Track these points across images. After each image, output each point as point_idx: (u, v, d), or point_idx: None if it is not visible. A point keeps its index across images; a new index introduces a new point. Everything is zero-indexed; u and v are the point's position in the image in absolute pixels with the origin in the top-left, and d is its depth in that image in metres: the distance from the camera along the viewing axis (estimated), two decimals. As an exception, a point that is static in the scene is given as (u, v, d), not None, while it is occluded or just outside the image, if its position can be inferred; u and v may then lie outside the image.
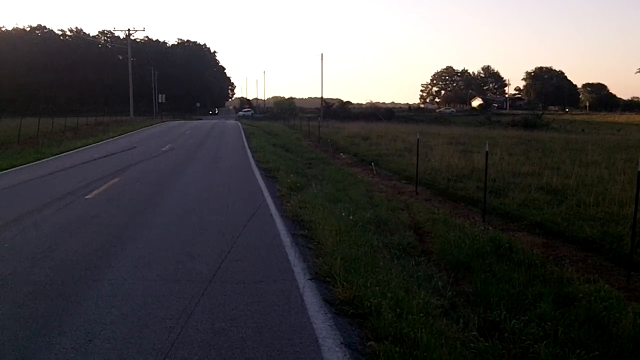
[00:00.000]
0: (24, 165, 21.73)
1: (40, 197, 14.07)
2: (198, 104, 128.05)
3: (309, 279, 7.46)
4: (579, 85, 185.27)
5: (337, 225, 10.16)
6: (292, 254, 8.73)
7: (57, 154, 26.57)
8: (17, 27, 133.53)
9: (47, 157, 24.98)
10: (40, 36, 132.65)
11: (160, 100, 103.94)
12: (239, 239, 9.72)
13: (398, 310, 6.06)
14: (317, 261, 8.26)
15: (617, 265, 9.08)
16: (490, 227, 11.04)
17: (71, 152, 28.33)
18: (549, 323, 6.10)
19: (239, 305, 6.46)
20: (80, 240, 9.53)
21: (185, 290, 6.93)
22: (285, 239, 9.82)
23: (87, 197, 14.07)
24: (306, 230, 10.38)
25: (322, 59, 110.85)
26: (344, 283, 6.95)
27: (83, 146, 31.91)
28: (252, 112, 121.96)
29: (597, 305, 6.59)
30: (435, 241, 10.17)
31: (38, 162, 23.21)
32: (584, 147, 27.77)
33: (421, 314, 5.97)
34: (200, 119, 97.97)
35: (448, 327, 5.90)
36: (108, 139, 39.03)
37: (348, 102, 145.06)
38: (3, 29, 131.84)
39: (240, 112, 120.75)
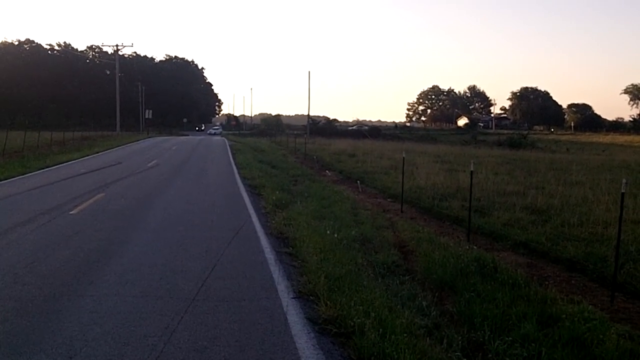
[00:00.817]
0: (9, 179, 21.53)
1: (25, 211, 13.95)
2: (185, 120, 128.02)
3: (292, 298, 7.44)
4: (564, 106, 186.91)
5: (321, 243, 10.15)
6: (276, 272, 8.71)
7: (43, 168, 26.38)
8: (5, 41, 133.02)
9: (33, 171, 24.79)
10: (28, 50, 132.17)
11: (147, 116, 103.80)
12: (223, 256, 9.69)
13: (381, 329, 6.04)
14: (301, 279, 8.24)
15: (601, 285, 9.10)
16: (475, 247, 11.05)
17: (57, 166, 28.14)
18: (532, 344, 6.11)
19: (221, 323, 6.42)
20: (64, 256, 9.44)
21: (168, 307, 6.88)
22: (270, 256, 9.80)
23: (71, 212, 13.97)
24: (291, 248, 10.36)
25: (309, 76, 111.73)
26: (328, 302, 6.93)
27: (69, 161, 31.72)
28: (221, 130, 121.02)
29: (581, 326, 6.60)
30: (420, 260, 10.17)
31: (23, 176, 23.03)
32: (568, 167, 27.93)
33: (405, 334, 5.96)
34: (186, 135, 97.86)
35: (432, 347, 5.89)
36: (94, 153, 38.82)
37: (335, 120, 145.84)
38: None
39: (210, 130, 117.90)
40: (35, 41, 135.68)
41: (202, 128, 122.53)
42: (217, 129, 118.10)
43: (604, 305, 8.03)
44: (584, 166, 29.26)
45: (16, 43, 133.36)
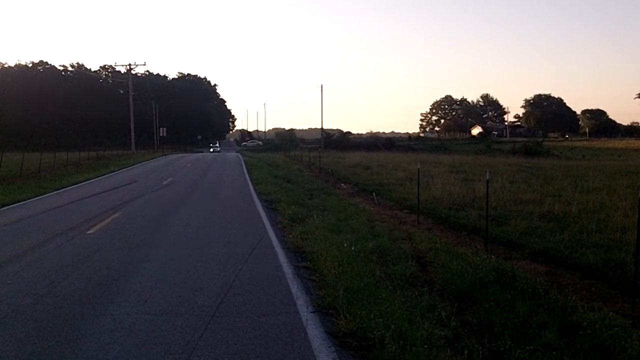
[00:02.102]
0: (27, 200, 21.76)
1: (43, 232, 14.07)
2: (199, 137, 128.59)
3: (312, 312, 7.44)
4: (578, 112, 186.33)
5: (339, 256, 10.15)
6: (294, 286, 8.72)
7: (59, 189, 26.62)
8: (19, 63, 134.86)
9: (50, 192, 25.02)
10: (42, 72, 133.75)
11: (161, 134, 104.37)
12: (241, 271, 9.71)
13: (402, 341, 6.03)
14: (320, 293, 8.25)
15: (621, 292, 9.04)
16: (493, 256, 11.00)
17: (73, 186, 28.36)
18: (554, 352, 6.08)
19: (242, 339, 6.44)
20: (83, 276, 9.51)
21: (188, 324, 6.90)
22: (288, 270, 9.81)
23: (89, 231, 14.07)
24: (308, 262, 10.37)
25: (322, 90, 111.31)
26: (347, 315, 6.93)
27: (85, 180, 31.98)
28: (259, 142, 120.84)
29: (602, 333, 6.56)
30: (438, 271, 10.15)
31: (40, 197, 23.24)
32: (584, 173, 27.81)
33: (425, 345, 5.95)
34: (201, 152, 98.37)
35: (452, 358, 5.88)
36: (110, 173, 39.12)
37: (348, 132, 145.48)
38: (6, 65, 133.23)
39: (210, 149, 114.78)
40: (49, 62, 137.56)
41: (217, 145, 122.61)
42: (216, 147, 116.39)
43: (625, 312, 7.98)
44: (600, 172, 29.13)
45: (30, 65, 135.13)
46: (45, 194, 24.37)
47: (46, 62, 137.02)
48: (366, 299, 7.51)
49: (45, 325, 6.93)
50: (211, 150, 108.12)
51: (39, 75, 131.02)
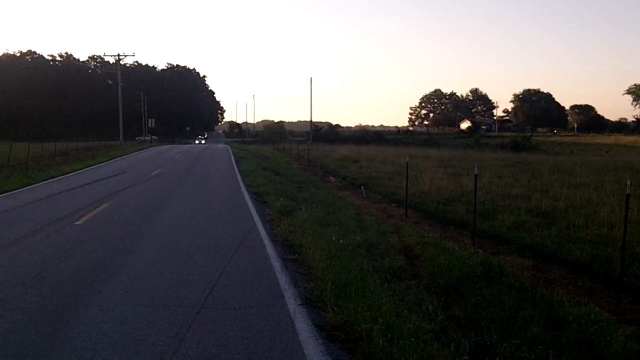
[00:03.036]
0: (15, 191, 21.62)
1: (31, 222, 14.00)
2: (188, 128, 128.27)
3: (299, 304, 7.47)
4: (567, 107, 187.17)
5: (327, 249, 10.17)
6: (282, 279, 8.74)
7: (47, 179, 26.46)
8: (7, 53, 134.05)
9: (37, 183, 24.88)
10: (30, 61, 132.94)
11: (149, 125, 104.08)
12: (229, 263, 9.72)
13: (389, 335, 6.07)
14: (308, 286, 8.27)
15: (607, 287, 9.11)
16: (480, 250, 11.06)
17: (61, 177, 28.21)
18: (540, 347, 6.13)
19: (230, 330, 6.45)
20: (71, 266, 9.49)
21: (176, 315, 6.91)
22: (276, 263, 9.83)
23: (77, 222, 14.02)
24: (296, 255, 10.39)
25: (311, 82, 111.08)
26: (335, 308, 6.96)
27: (73, 171, 31.81)
28: (206, 137, 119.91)
29: (588, 328, 6.62)
30: (426, 265, 10.19)
31: (28, 187, 23.10)
32: (572, 169, 27.96)
33: (412, 339, 5.98)
34: (189, 143, 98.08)
35: (439, 351, 5.91)
36: (98, 164, 38.93)
37: (337, 125, 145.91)
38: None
39: (196, 140, 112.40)
40: (37, 52, 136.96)
41: (205, 136, 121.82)
42: (201, 138, 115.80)
43: (610, 307, 8.05)
44: (588, 168, 29.30)
45: (18, 54, 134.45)
46: (33, 184, 24.23)
47: (34, 52, 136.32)
48: (354, 292, 7.53)
49: (33, 316, 6.92)
50: (196, 142, 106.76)
51: (27, 65, 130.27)
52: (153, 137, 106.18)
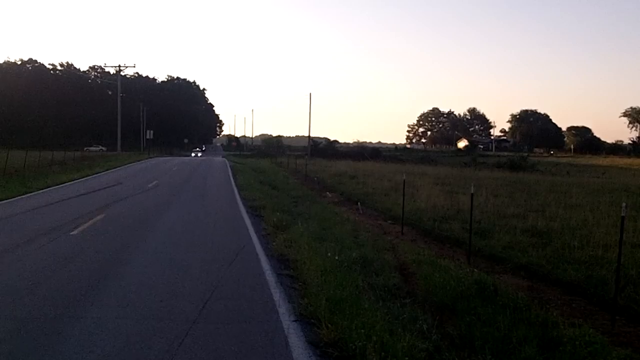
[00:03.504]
0: (10, 199, 21.58)
1: (26, 232, 13.96)
2: (186, 140, 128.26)
3: (293, 320, 7.43)
4: (564, 128, 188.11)
5: (322, 265, 10.14)
6: (277, 294, 8.70)
7: (44, 188, 26.43)
8: (8, 61, 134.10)
9: (34, 191, 24.84)
10: (31, 70, 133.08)
11: (148, 136, 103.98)
12: (223, 277, 9.69)
13: (383, 353, 6.04)
14: (302, 302, 8.23)
15: (601, 309, 9.10)
16: (476, 269, 11.03)
17: (58, 186, 28.17)
18: (533, 368, 6.10)
19: (223, 345, 6.42)
20: (64, 277, 9.45)
21: (169, 329, 6.87)
22: (271, 278, 9.80)
23: (72, 232, 13.98)
24: (291, 270, 10.36)
25: (310, 98, 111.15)
26: (329, 325, 6.93)
27: (69, 181, 31.77)
28: (204, 150, 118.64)
29: (582, 350, 6.59)
30: (421, 282, 10.16)
31: (24, 195, 23.06)
32: (568, 189, 27.98)
33: (406, 358, 5.96)
34: (187, 155, 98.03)
35: (432, 370, 5.88)
36: (95, 174, 38.91)
37: (335, 141, 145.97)
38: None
39: (192, 153, 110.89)
40: (38, 61, 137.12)
41: (203, 149, 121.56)
42: (198, 151, 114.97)
43: (604, 329, 8.02)
44: (584, 189, 29.33)
45: (19, 62, 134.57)
46: (29, 193, 24.19)
47: (35, 60, 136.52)
48: (348, 309, 7.50)
49: (25, 326, 6.88)
50: (193, 155, 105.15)
51: (28, 73, 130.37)
52: (102, 147, 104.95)
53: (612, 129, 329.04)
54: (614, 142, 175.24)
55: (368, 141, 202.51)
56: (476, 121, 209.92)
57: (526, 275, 11.18)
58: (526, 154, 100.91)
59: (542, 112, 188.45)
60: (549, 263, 11.72)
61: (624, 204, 8.54)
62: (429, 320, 7.80)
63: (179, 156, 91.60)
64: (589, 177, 48.38)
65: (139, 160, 64.07)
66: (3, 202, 20.72)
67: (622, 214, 8.49)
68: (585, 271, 10.93)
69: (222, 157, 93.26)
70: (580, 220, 17.00)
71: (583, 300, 9.58)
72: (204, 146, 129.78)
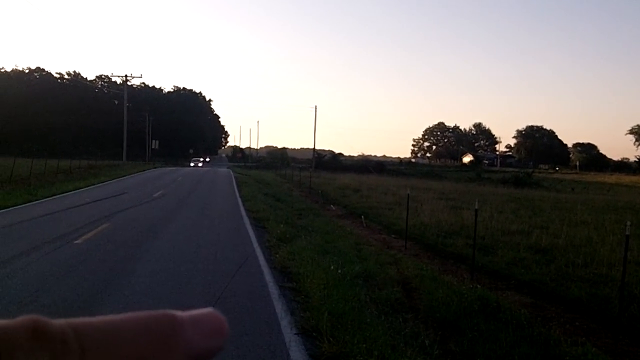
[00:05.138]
0: (16, 207, 21.63)
1: (30, 240, 13.98)
2: (191, 151, 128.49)
3: (295, 334, 7.43)
4: (570, 145, 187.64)
5: (325, 278, 10.14)
6: (279, 307, 8.70)
7: (49, 196, 26.48)
8: (16, 69, 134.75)
9: (39, 199, 24.89)
10: (38, 78, 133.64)
11: (153, 146, 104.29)
12: (226, 289, 9.69)
13: (384, 368, 6.03)
14: (304, 315, 8.23)
15: (604, 327, 9.08)
16: (479, 285, 11.02)
17: (63, 194, 28.21)
18: (535, 386, 6.08)
19: (223, 358, 6.41)
20: (68, 286, 9.47)
21: (171, 340, 6.86)
22: (273, 290, 9.79)
23: (76, 241, 14.00)
24: (294, 283, 10.36)
25: (315, 111, 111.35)
26: (331, 339, 6.92)
27: (75, 189, 31.83)
28: (208, 161, 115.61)
29: (584, 368, 6.58)
30: (423, 298, 10.15)
31: (29, 204, 23.10)
32: (573, 206, 27.95)
33: (407, 373, 5.94)
34: (191, 166, 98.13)
35: (434, 386, 5.87)
36: (100, 183, 38.96)
37: (340, 154, 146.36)
38: (2, 70, 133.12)
39: (192, 163, 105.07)
40: (46, 69, 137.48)
41: (207, 160, 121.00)
42: (198, 160, 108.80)
43: (608, 348, 8.00)
44: (589, 206, 29.29)
45: (27, 71, 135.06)
46: (34, 201, 24.24)
47: (43, 69, 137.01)
48: (350, 323, 7.50)
49: (27, 335, 6.88)
50: (192, 165, 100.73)
51: (35, 82, 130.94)
52: (198, 160, 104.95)
53: (618, 146, 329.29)
54: (619, 159, 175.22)
55: (373, 154, 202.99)
56: (481, 136, 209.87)
57: (529, 293, 11.17)
58: (531, 170, 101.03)
59: (548, 128, 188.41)
60: (552, 280, 11.71)
61: (628, 223, 8.55)
62: (431, 336, 7.80)
63: (184, 166, 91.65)
64: (594, 194, 48.32)
65: (144, 170, 64.11)
66: (9, 209, 20.77)
67: (627, 233, 8.49)
68: (589, 289, 10.92)
69: (227, 168, 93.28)
70: (585, 237, 16.98)
71: (586, 319, 9.55)
72: (208, 157, 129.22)
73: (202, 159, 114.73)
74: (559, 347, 7.49)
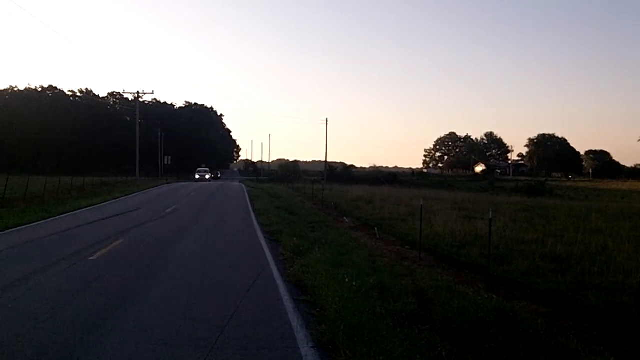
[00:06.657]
0: (31, 224, 21.80)
1: (45, 257, 14.09)
2: (204, 165, 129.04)
3: (311, 347, 7.42)
4: (582, 152, 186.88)
5: (340, 291, 10.12)
6: (295, 320, 8.69)
7: (63, 213, 26.67)
8: (29, 87, 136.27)
9: (53, 216, 25.07)
10: (51, 96, 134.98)
11: (166, 162, 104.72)
12: (241, 303, 9.70)
13: (401, 380, 6.00)
14: (320, 328, 8.21)
15: (623, 336, 8.99)
16: (494, 296, 10.95)
17: (76, 211, 28.41)
18: (554, 396, 6.03)
19: (241, 372, 6.41)
20: (84, 302, 9.51)
21: (188, 355, 6.89)
22: (288, 304, 9.79)
23: (91, 258, 14.08)
24: (309, 296, 10.35)
25: (327, 123, 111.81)
26: (347, 352, 6.91)
27: (88, 206, 32.04)
28: (219, 177, 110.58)
29: (603, 378, 6.52)
30: (439, 309, 10.09)
31: (44, 221, 23.28)
32: (587, 214, 27.76)
33: (425, 385, 5.91)
34: (197, 178, 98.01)
35: (452, 398, 5.83)
36: (113, 199, 39.17)
37: (352, 166, 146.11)
38: (16, 89, 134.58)
39: (197, 175, 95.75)
40: (58, 88, 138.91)
41: (219, 175, 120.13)
42: (204, 172, 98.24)
43: (626, 357, 7.92)
44: (603, 214, 29.09)
45: (39, 89, 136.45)
46: (48, 218, 24.42)
47: (55, 87, 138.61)
48: (366, 335, 7.47)
49: (45, 351, 6.92)
50: (197, 176, 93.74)
51: (48, 100, 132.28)
52: (204, 172, 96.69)
53: (631, 153, 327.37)
54: (633, 166, 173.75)
55: (385, 166, 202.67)
56: (493, 145, 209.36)
57: (546, 302, 11.07)
58: (544, 179, 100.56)
59: (560, 136, 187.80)
60: (568, 289, 11.61)
61: (644, 230, 8.48)
62: (448, 347, 7.75)
63: (197, 182, 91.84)
64: (608, 202, 47.98)
65: (157, 186, 64.41)
66: (24, 227, 20.93)
67: (643, 240, 8.43)
68: (606, 297, 10.81)
69: (239, 182, 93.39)
70: (600, 245, 16.84)
71: (604, 327, 9.46)
72: (219, 173, 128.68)
73: (208, 170, 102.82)
74: (577, 357, 7.42)
